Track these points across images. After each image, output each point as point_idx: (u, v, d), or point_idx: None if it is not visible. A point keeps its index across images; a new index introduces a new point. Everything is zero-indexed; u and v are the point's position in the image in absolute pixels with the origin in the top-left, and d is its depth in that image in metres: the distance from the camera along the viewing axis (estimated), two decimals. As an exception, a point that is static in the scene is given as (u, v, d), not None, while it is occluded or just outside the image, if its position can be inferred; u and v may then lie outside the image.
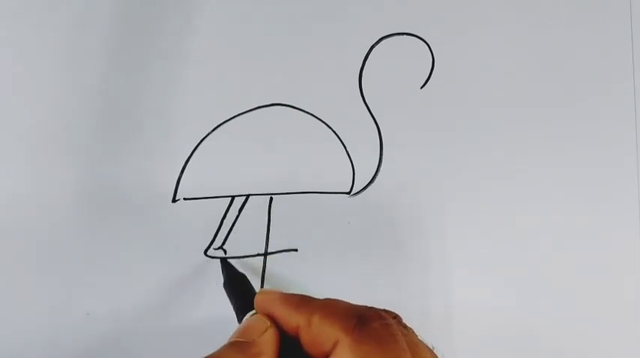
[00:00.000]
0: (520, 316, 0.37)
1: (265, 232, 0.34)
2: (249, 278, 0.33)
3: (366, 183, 0.35)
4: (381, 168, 0.35)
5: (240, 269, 0.33)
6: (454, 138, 0.36)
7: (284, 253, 0.35)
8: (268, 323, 0.26)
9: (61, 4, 0.33)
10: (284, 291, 0.28)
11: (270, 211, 0.34)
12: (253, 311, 0.27)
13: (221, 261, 0.33)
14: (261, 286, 0.34)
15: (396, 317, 0.26)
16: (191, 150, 0.34)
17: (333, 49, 0.35)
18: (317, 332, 0.24)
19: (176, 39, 0.34)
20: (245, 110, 0.35)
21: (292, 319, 0.25)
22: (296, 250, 0.35)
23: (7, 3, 0.33)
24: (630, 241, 0.37)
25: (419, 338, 0.26)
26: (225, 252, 0.34)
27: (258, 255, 0.34)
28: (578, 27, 0.37)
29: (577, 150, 0.37)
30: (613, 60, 0.38)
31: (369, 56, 0.36)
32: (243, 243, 0.34)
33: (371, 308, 0.24)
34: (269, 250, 0.34)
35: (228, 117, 0.34)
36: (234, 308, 0.30)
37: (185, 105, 0.34)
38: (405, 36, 0.36)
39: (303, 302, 0.25)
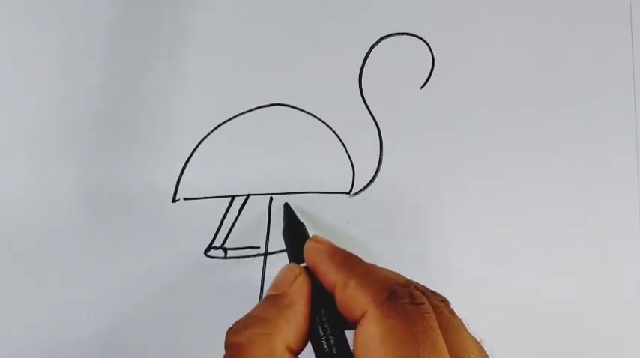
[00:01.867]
0: (520, 316, 0.36)
1: (265, 232, 0.34)
2: (249, 278, 0.33)
3: (366, 183, 0.35)
4: (381, 168, 0.35)
5: (240, 270, 0.33)
6: (454, 138, 0.36)
7: (284, 253, 0.35)
8: (297, 271, 0.26)
9: (61, 4, 0.33)
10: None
11: (270, 211, 0.34)
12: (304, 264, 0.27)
13: (284, 207, 0.33)
14: (261, 286, 0.34)
15: (444, 300, 0.25)
16: (191, 150, 0.34)
17: (333, 49, 0.35)
18: (350, 296, 0.24)
19: (176, 39, 0.34)
20: (245, 110, 0.35)
21: (331, 277, 0.25)
22: (296, 250, 0.35)
23: (7, 3, 0.33)
24: (630, 241, 0.37)
25: (465, 328, 0.25)
26: (225, 251, 0.34)
27: (258, 255, 0.34)
28: (578, 27, 0.37)
29: (577, 150, 0.37)
30: (613, 60, 0.38)
31: (369, 56, 0.36)
32: (243, 243, 0.34)
33: (406, 285, 0.24)
34: (269, 250, 0.34)
35: (228, 117, 0.34)
36: (288, 256, 0.30)
37: (185, 106, 0.34)
38: (405, 36, 0.36)
39: (347, 263, 0.25)
